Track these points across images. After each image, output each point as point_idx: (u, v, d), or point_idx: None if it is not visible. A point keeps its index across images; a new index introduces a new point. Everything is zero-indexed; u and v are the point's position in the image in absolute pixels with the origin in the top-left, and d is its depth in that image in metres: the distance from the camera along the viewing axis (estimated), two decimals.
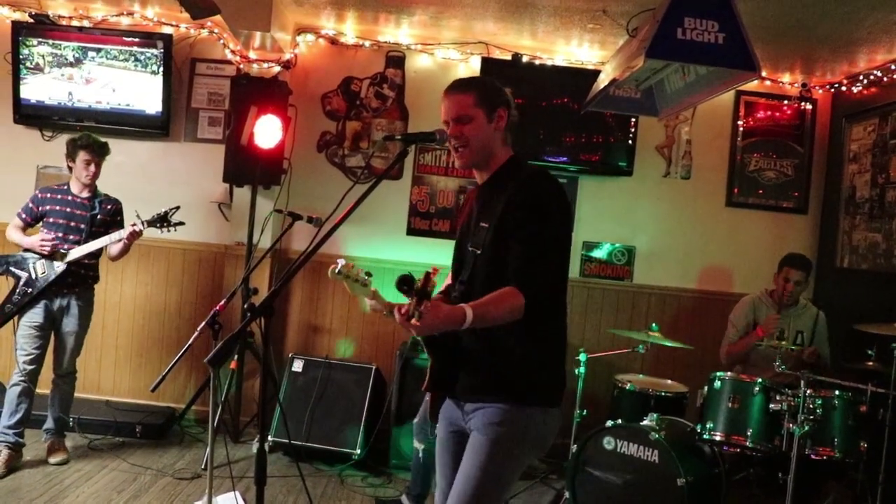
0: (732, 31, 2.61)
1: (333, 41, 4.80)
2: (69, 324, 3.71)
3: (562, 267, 1.91)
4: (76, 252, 3.65)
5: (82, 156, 3.68)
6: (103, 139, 3.81)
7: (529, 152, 4.56)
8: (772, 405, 3.22)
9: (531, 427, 1.86)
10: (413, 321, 1.63)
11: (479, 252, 1.92)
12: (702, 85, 3.10)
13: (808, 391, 3.13)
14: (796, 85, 4.75)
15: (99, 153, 3.72)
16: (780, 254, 4.09)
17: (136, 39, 4.54)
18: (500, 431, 1.85)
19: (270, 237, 4.54)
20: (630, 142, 4.65)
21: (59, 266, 3.63)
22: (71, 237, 3.69)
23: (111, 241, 3.67)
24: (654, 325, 3.85)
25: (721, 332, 4.10)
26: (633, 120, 4.62)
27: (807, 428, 3.08)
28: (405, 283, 1.59)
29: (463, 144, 1.98)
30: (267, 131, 4.24)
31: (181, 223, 3.75)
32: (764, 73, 4.63)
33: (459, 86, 2.01)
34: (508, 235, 1.85)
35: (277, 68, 4.60)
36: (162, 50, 4.53)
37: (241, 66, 4.63)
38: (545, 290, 1.83)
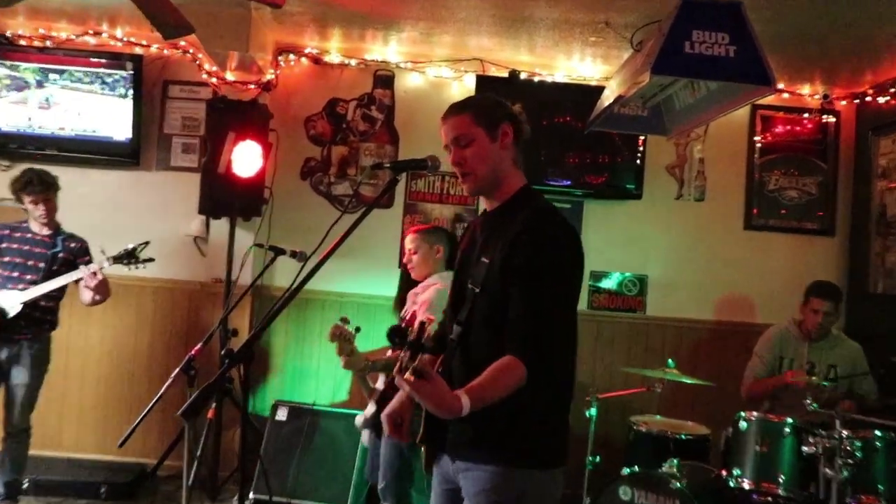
0: (744, 43, 2.60)
1: (317, 60, 4.85)
2: (18, 375, 3.59)
3: (570, 324, 1.88)
4: (29, 293, 3.58)
5: (26, 198, 3.62)
6: (54, 171, 3.74)
7: (530, 175, 4.57)
8: (805, 448, 3.12)
9: (529, 494, 1.79)
10: (407, 376, 1.60)
11: (477, 290, 1.91)
12: (713, 100, 3.10)
13: (846, 432, 3.03)
14: (817, 97, 4.76)
15: (43, 191, 3.64)
16: (806, 279, 4.10)
17: (104, 60, 4.54)
18: (491, 500, 1.79)
19: (251, 273, 4.53)
20: (638, 162, 4.67)
21: (12, 308, 3.56)
22: (28, 277, 3.64)
23: (68, 282, 3.62)
24: (670, 360, 3.84)
25: (743, 366, 4.07)
26: (642, 139, 4.65)
27: (846, 473, 2.97)
28: (397, 335, 1.57)
29: (466, 171, 1.98)
30: (246, 158, 4.26)
31: (150, 259, 3.72)
32: (781, 86, 4.65)
33: (455, 107, 2.02)
34: (510, 283, 1.83)
35: (257, 90, 4.66)
36: (131, 72, 4.54)
37: (218, 88, 4.68)
38: (550, 355, 1.80)
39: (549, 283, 1.81)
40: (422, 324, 1.61)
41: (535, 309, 1.79)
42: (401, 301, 3.58)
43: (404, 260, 3.47)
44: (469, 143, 1.96)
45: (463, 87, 4.81)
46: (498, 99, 2.03)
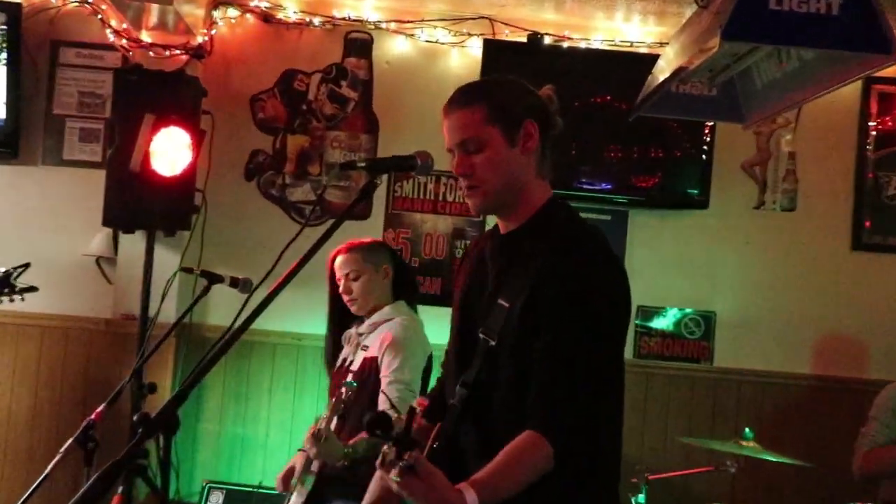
0: None
1: (267, 18, 4.88)
2: None
3: (614, 385, 1.94)
4: None
5: None
6: None
7: (556, 176, 4.64)
8: None
9: None
10: (394, 474, 1.64)
11: (493, 343, 1.96)
12: (809, 75, 3.06)
13: None
14: None
15: None
16: None
17: None
18: None
19: (175, 308, 4.53)
20: (704, 158, 4.73)
21: None
22: None
23: None
24: (747, 430, 3.82)
25: (852, 438, 3.98)
26: (709, 127, 4.70)
27: None
28: (379, 425, 1.62)
29: (474, 184, 2.04)
30: (169, 151, 4.27)
31: (33, 288, 3.69)
32: None
33: (462, 97, 2.06)
34: (535, 335, 1.89)
35: (184, 58, 4.66)
36: (4, 26, 4.49)
37: (130, 53, 4.68)
38: (586, 429, 1.85)
39: (585, 335, 1.86)
40: (411, 411, 1.66)
41: (566, 370, 1.84)
42: (333, 349, 3.64)
43: (341, 290, 3.52)
44: (480, 148, 2.02)
45: (465, 56, 4.85)
46: (521, 85, 2.08)
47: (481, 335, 1.99)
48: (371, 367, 3.34)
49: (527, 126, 2.02)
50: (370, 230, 4.87)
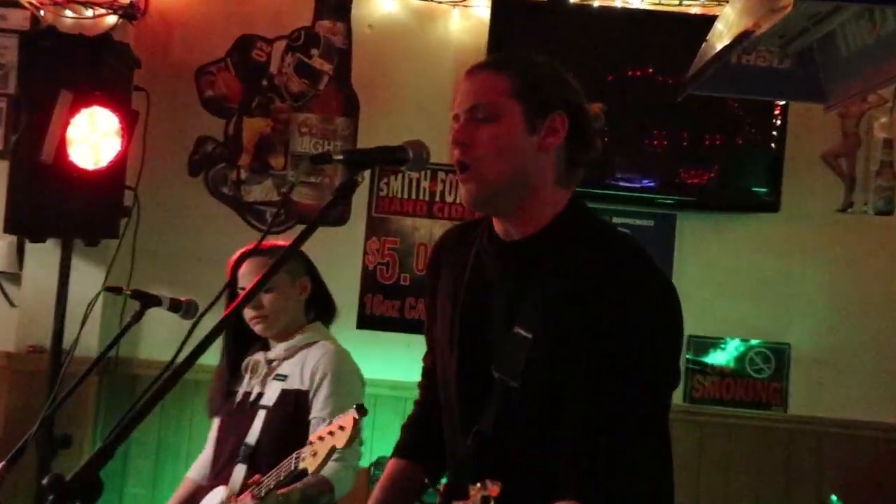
0: None
1: None
2: None
3: (669, 446, 1.98)
4: None
5: None
6: None
7: (586, 170, 4.67)
8: None
9: None
10: None
11: (515, 385, 2.00)
12: None
13: None
14: None
15: None
16: None
17: None
18: None
19: (98, 338, 4.53)
20: (774, 147, 4.77)
21: None
22: None
23: None
24: (833, 497, 3.92)
25: None
26: (779, 108, 4.73)
27: None
28: None
29: (469, 161, 2.09)
30: (92, 138, 4.24)
31: None
32: None
33: (493, 60, 2.17)
34: (574, 376, 1.94)
35: (113, 19, 4.66)
36: None
37: (41, 12, 4.67)
38: (637, 497, 1.89)
39: (641, 383, 1.91)
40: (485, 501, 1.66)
41: (615, 429, 1.89)
42: (229, 380, 3.62)
43: (250, 312, 3.48)
44: (490, 119, 2.08)
45: (469, 18, 4.89)
46: (566, 75, 2.15)
47: (497, 374, 2.02)
48: (297, 401, 3.37)
49: (556, 117, 2.07)
50: (348, 239, 4.95)
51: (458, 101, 2.12)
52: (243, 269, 3.48)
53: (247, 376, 3.54)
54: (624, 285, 1.94)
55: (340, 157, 2.03)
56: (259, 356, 3.54)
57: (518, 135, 2.05)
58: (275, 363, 3.49)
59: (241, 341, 3.61)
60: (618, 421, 1.89)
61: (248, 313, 3.47)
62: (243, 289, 3.45)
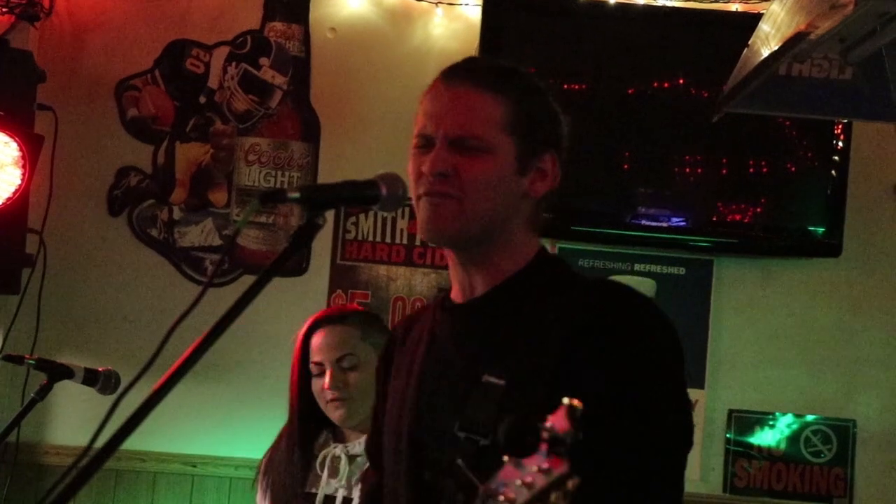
0: None
1: None
2: None
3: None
4: None
5: None
6: None
7: (601, 204, 4.89)
8: None
9: None
10: None
11: (485, 444, 1.98)
12: None
13: None
14: None
15: None
16: None
17: None
18: None
19: None
20: (835, 176, 4.73)
21: None
22: None
23: None
24: None
25: None
26: (841, 129, 4.70)
27: None
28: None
29: (452, 191, 2.12)
30: None
31: None
32: None
33: (487, 74, 2.18)
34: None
35: (9, 19, 4.66)
36: None
37: None
38: None
39: (659, 437, 1.96)
40: None
41: (622, 486, 1.90)
42: (302, 476, 3.54)
43: (325, 385, 3.47)
44: (480, 152, 2.12)
45: (455, 17, 4.92)
46: (552, 101, 2.22)
47: (461, 434, 2.00)
48: None
49: (545, 160, 2.16)
50: (307, 293, 4.92)
51: (435, 117, 2.14)
52: (320, 341, 3.48)
53: (324, 474, 3.46)
54: (629, 320, 2.03)
55: (297, 194, 2.03)
56: (338, 451, 3.47)
57: (507, 176, 2.12)
58: (360, 459, 3.36)
59: (310, 427, 3.56)
60: (624, 481, 1.91)
61: (326, 394, 3.44)
62: (320, 364, 3.45)
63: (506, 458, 1.53)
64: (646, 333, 2.04)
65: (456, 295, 2.23)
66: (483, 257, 2.17)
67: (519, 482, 1.47)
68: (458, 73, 2.17)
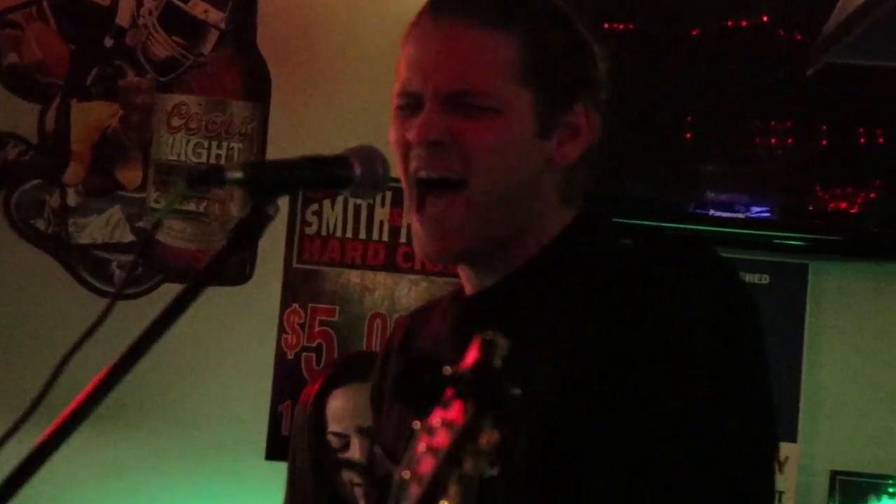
0: None
1: None
2: None
3: None
4: None
5: None
6: None
7: (654, 189, 4.86)
8: None
9: None
10: None
11: (492, 474, 1.75)
12: None
13: None
14: None
15: None
16: None
17: None
18: None
19: None
20: None
21: None
22: None
23: None
24: None
25: None
26: None
27: None
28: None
29: (454, 173, 2.06)
30: None
31: None
32: None
33: (485, 2, 2.12)
34: (591, 442, 1.96)
35: None
36: None
37: None
38: None
39: (714, 425, 1.93)
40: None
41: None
42: None
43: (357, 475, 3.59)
44: (486, 112, 2.06)
45: None
46: (584, 31, 2.16)
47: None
48: None
49: (577, 114, 2.07)
50: (251, 306, 4.80)
51: (422, 66, 2.09)
52: (340, 406, 3.61)
53: None
54: (678, 295, 1.97)
55: (239, 174, 1.94)
56: None
57: (526, 140, 2.06)
58: None
59: None
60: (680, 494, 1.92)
61: (349, 475, 3.60)
62: (342, 435, 3.55)
63: (416, 424, 1.49)
64: (690, 300, 1.97)
65: (466, 284, 2.18)
66: (501, 253, 2.13)
67: (424, 447, 1.48)
68: (450, 4, 2.09)
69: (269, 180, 1.99)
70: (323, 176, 2.05)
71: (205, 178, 2.02)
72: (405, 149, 2.08)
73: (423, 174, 2.06)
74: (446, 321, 2.23)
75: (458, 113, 2.04)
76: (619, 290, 1.98)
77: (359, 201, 4.74)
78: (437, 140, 2.02)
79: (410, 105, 2.07)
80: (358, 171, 1.98)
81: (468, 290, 2.18)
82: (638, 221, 4.45)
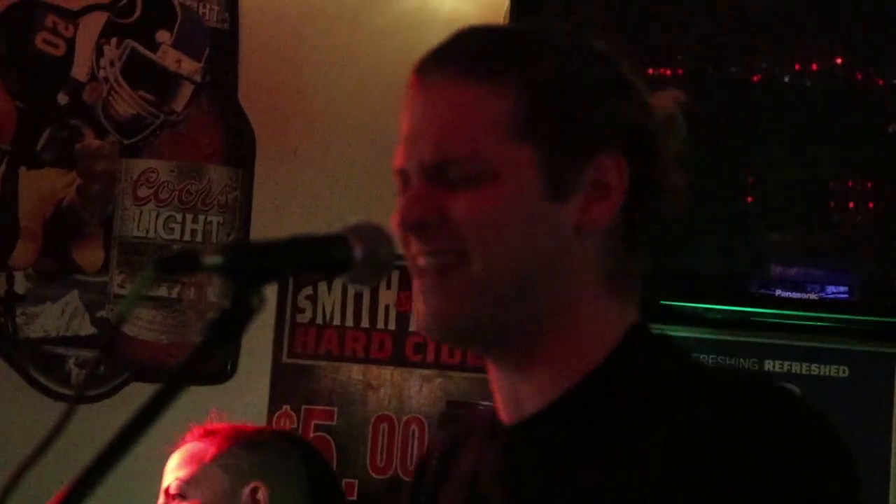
0: None
1: None
2: None
3: None
4: None
5: None
6: None
7: (710, 263, 4.73)
8: None
9: None
10: None
11: None
12: None
13: None
14: None
15: None
16: None
17: None
18: None
19: None
20: None
21: None
22: None
23: None
24: None
25: None
26: None
27: None
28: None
29: (447, 245, 1.94)
30: None
31: None
32: None
33: (473, 52, 1.98)
34: None
35: None
36: None
37: None
38: None
39: None
40: None
41: None
42: None
43: None
44: (475, 181, 1.93)
45: None
46: (607, 56, 1.99)
47: None
48: None
49: (603, 164, 1.87)
50: (235, 409, 4.50)
51: (407, 136, 1.98)
52: (172, 461, 3.65)
53: None
54: (751, 457, 1.77)
55: (218, 259, 1.73)
56: None
57: (531, 204, 1.91)
58: None
59: None
60: None
61: None
62: (170, 491, 3.58)
63: None
64: (798, 463, 1.77)
65: (501, 411, 2.01)
66: (530, 351, 1.91)
67: None
68: (436, 59, 1.92)
69: (254, 266, 1.78)
70: (317, 260, 1.85)
71: (177, 264, 1.83)
72: (401, 233, 1.95)
73: (421, 262, 1.92)
74: (489, 452, 2.00)
75: (444, 186, 1.92)
76: (707, 437, 1.77)
77: (358, 289, 4.54)
78: (419, 223, 1.91)
79: (402, 184, 1.99)
80: (358, 252, 1.81)
81: (504, 418, 1.96)
82: (693, 304, 4.61)
